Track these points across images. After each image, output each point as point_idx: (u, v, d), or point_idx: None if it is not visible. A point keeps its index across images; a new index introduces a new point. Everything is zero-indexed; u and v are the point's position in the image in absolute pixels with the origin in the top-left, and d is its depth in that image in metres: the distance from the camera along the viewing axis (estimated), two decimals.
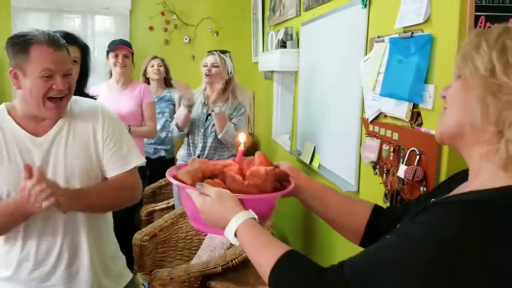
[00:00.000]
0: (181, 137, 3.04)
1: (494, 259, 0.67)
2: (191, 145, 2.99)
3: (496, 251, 0.68)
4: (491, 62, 0.77)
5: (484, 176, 0.79)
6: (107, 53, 3.20)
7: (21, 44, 1.39)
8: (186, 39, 4.93)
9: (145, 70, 3.79)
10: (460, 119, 0.81)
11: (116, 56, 3.14)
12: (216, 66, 2.94)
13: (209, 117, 2.93)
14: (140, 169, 3.21)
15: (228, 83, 3.00)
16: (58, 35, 1.45)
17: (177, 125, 2.93)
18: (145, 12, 4.77)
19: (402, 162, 1.65)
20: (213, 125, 2.92)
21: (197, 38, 4.95)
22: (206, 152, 2.93)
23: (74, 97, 1.55)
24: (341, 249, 2.35)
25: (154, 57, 3.74)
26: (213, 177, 1.04)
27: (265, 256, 0.88)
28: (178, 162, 3.08)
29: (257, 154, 1.15)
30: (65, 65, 1.43)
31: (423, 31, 1.59)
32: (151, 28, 4.82)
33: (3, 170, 1.41)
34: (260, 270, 0.90)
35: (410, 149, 1.62)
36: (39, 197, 1.26)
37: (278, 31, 3.46)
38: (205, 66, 2.98)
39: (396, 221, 0.97)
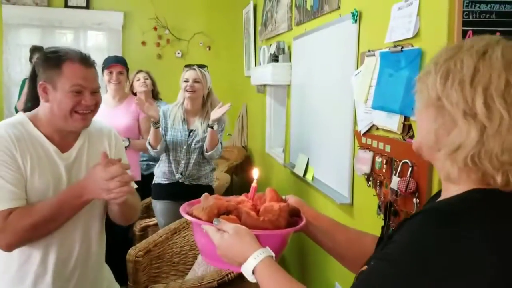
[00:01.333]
0: (158, 155, 2.91)
1: (457, 261, 0.70)
2: (172, 162, 2.89)
3: (458, 253, 0.70)
4: (435, 87, 0.80)
5: (450, 187, 0.83)
6: (102, 69, 3.21)
7: (54, 59, 1.44)
8: (178, 53, 4.97)
9: (132, 85, 3.78)
10: (425, 135, 0.86)
11: (111, 73, 3.17)
12: (198, 82, 2.89)
13: (191, 133, 2.88)
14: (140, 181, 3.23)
15: (207, 97, 2.96)
16: (88, 55, 1.51)
17: (149, 143, 2.82)
18: (138, 27, 4.81)
19: (395, 174, 1.67)
20: (197, 141, 2.86)
21: (190, 52, 5.00)
22: (189, 168, 2.87)
23: None
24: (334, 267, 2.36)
25: (140, 71, 3.73)
26: (227, 213, 1.05)
27: None
28: (157, 179, 2.97)
29: (267, 190, 1.16)
30: (94, 83, 1.49)
31: (412, 46, 1.63)
32: (143, 43, 4.85)
33: (34, 181, 1.42)
34: None
35: (403, 161, 1.64)
36: (121, 185, 1.33)
37: (270, 45, 3.50)
38: (186, 81, 2.88)
39: None
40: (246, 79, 4.74)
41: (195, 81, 2.87)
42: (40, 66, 1.47)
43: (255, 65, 4.26)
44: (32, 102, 2.02)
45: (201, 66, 2.98)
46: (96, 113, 1.54)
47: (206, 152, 2.84)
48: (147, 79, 3.64)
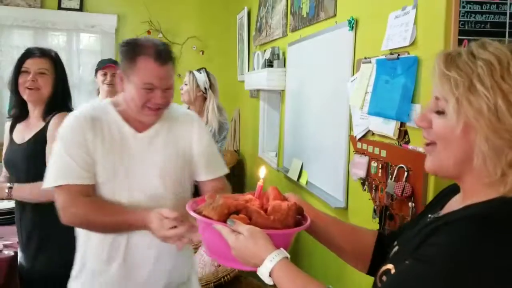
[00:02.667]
0: None
1: (501, 268, 0.71)
2: None
3: (503, 261, 0.71)
4: (494, 103, 0.76)
5: (477, 192, 0.83)
6: (96, 71, 3.21)
7: (130, 51, 1.44)
8: None
9: None
10: (462, 157, 0.82)
11: (105, 74, 3.16)
12: (185, 84, 2.94)
13: None
14: None
15: (204, 101, 2.96)
16: (167, 48, 1.47)
17: None
18: (131, 30, 4.80)
19: (391, 179, 1.71)
20: None
21: (183, 56, 5.00)
22: None
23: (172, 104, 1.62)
24: (327, 271, 2.39)
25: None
26: (237, 212, 1.05)
27: None
28: None
29: (270, 188, 1.17)
30: (168, 80, 1.47)
31: (409, 53, 1.67)
32: None
33: (104, 161, 1.45)
34: None
35: (398, 166, 1.68)
36: (179, 238, 1.31)
37: (265, 50, 3.54)
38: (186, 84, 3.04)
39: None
40: (239, 84, 4.77)
41: (184, 83, 3.03)
42: (120, 55, 1.49)
43: (249, 70, 4.29)
44: (17, 107, 2.00)
45: (199, 69, 3.07)
46: (168, 107, 1.53)
47: None
48: None
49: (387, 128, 1.78)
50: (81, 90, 4.70)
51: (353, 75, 2.13)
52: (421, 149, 1.58)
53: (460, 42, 1.49)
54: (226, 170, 1.68)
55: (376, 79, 1.88)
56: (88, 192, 1.44)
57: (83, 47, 4.80)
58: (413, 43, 1.64)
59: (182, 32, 4.98)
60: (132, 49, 1.44)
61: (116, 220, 1.40)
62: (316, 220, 1.14)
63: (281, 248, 0.97)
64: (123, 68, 1.47)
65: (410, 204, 1.60)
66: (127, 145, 1.50)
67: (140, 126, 1.52)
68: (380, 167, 1.83)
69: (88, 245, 1.52)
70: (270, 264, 0.93)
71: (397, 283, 0.79)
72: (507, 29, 1.51)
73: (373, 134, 1.93)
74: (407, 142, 1.68)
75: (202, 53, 5.06)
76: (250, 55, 4.36)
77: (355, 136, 2.05)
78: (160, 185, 1.51)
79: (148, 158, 1.51)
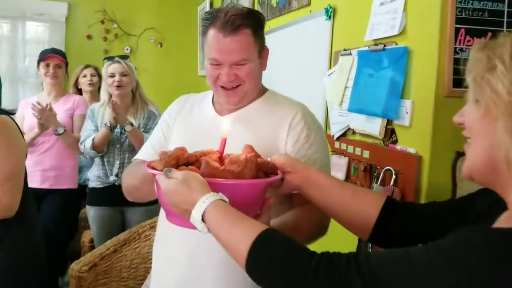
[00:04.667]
0: (95, 157, 2.56)
1: None
2: (106, 164, 2.55)
3: None
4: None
5: None
6: (38, 62, 2.86)
7: (204, 23, 1.21)
8: (127, 49, 4.66)
9: (77, 80, 3.43)
10: (490, 152, 0.69)
11: (47, 65, 2.81)
12: (126, 75, 2.53)
13: (123, 131, 2.52)
14: (78, 190, 2.90)
15: (135, 90, 2.63)
16: (243, 12, 1.17)
17: (93, 145, 2.46)
18: (83, 19, 4.46)
19: (376, 182, 1.54)
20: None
21: (139, 49, 4.70)
22: (124, 168, 2.43)
23: (273, 91, 1.35)
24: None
25: (87, 66, 3.37)
26: (188, 164, 0.95)
27: (240, 232, 0.78)
28: (92, 183, 2.61)
29: (245, 146, 1.02)
30: (234, 55, 1.16)
31: (397, 44, 1.51)
32: (89, 36, 4.51)
33: (176, 140, 1.28)
34: (234, 249, 0.79)
35: (385, 168, 1.51)
36: None
37: None
38: (111, 76, 2.51)
39: (416, 219, 0.90)
40: (200, 79, 4.53)
41: (123, 74, 2.52)
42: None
43: None
44: None
45: (124, 57, 2.64)
46: (251, 88, 1.23)
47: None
48: (94, 76, 3.30)
49: (371, 127, 1.61)
50: (26, 84, 4.32)
51: (330, 68, 1.96)
52: (411, 150, 1.42)
53: (457, 31, 1.34)
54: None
55: (357, 72, 1.72)
56: None
57: (29, 37, 4.39)
58: (402, 32, 1.48)
59: (139, 22, 4.68)
60: (206, 20, 1.20)
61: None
62: (308, 179, 0.99)
63: (220, 193, 0.85)
64: (202, 43, 1.24)
65: None
66: (204, 128, 1.28)
67: (223, 110, 1.28)
68: (362, 169, 1.66)
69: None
70: (202, 206, 0.82)
71: (401, 260, 0.66)
72: (505, 18, 1.37)
73: (353, 132, 1.76)
74: (394, 142, 1.52)
75: (161, 46, 4.77)
76: None
77: (333, 136, 1.87)
78: None
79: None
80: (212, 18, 1.18)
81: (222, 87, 1.21)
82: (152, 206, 2.61)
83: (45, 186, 2.74)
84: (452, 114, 0.80)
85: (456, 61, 1.33)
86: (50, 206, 2.74)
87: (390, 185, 1.47)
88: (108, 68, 2.54)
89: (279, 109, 1.26)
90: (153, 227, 2.62)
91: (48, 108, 2.61)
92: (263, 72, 1.32)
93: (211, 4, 4.11)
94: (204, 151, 1.01)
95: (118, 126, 2.50)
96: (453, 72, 1.33)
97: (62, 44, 4.26)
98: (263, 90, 1.32)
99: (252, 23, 1.18)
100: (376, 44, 1.60)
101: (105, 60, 2.62)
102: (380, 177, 1.52)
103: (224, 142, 1.01)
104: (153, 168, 0.96)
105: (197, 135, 1.27)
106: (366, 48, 1.66)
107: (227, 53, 1.17)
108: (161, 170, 0.91)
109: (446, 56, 1.33)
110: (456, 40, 1.33)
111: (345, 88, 1.79)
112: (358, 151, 1.70)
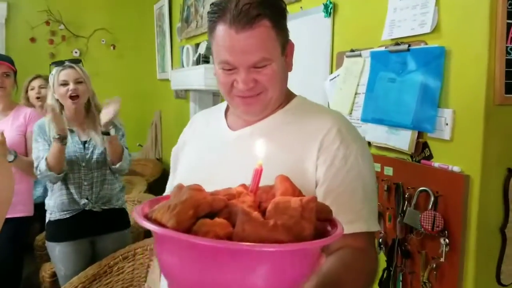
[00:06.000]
0: (57, 180, 2.11)
1: None
2: (71, 187, 2.12)
3: None
4: None
5: None
6: None
7: (209, 18, 0.95)
8: (76, 52, 4.26)
9: (27, 92, 3.00)
10: None
11: None
12: (81, 82, 2.12)
13: (86, 145, 2.14)
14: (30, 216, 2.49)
15: (92, 99, 2.22)
16: (255, 2, 0.89)
17: (48, 166, 2.02)
18: (25, 20, 4.00)
19: (409, 205, 1.32)
20: (99, 153, 2.14)
21: (90, 51, 4.31)
22: (95, 189, 2.15)
23: (303, 97, 1.06)
24: None
25: (36, 77, 2.94)
26: (212, 215, 0.59)
27: None
28: (53, 215, 2.15)
29: (279, 178, 0.69)
30: (251, 55, 0.90)
31: (426, 43, 1.30)
32: (32, 39, 4.05)
33: (186, 158, 1.10)
34: None
35: (420, 189, 1.29)
36: None
37: (197, 44, 3.02)
38: (64, 84, 2.09)
39: None
40: (160, 83, 4.18)
41: (77, 82, 2.10)
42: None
43: (172, 68, 3.73)
44: None
45: (75, 61, 2.20)
46: (273, 95, 0.95)
47: (114, 165, 2.15)
48: (43, 87, 2.87)
49: (396, 139, 1.39)
50: None
51: (332, 72, 1.72)
52: (456, 168, 1.21)
53: (508, 27, 1.14)
54: (372, 225, 0.94)
55: (371, 76, 1.49)
56: None
57: None
58: (434, 30, 1.27)
59: (88, 23, 4.27)
60: (213, 13, 0.92)
61: None
62: None
63: None
64: (209, 43, 0.97)
65: (442, 240, 1.23)
66: (213, 147, 1.05)
67: (237, 123, 1.03)
68: (385, 188, 1.44)
69: None
70: None
71: None
72: None
73: (369, 145, 1.54)
74: (428, 158, 1.31)
75: (114, 48, 4.39)
76: (174, 50, 3.80)
77: None
78: None
79: (225, 166, 0.99)
80: (219, 11, 0.91)
81: (238, 96, 0.95)
82: (125, 230, 2.29)
83: None
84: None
85: (509, 63, 1.13)
86: None
87: (429, 209, 1.25)
88: (59, 75, 2.10)
89: (308, 122, 0.98)
90: (126, 258, 2.29)
91: None
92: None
93: (170, 2, 3.78)
94: (230, 190, 0.67)
95: (78, 141, 2.12)
96: (505, 76, 1.14)
97: (2, 49, 3.82)
98: (289, 96, 1.03)
99: (272, 12, 0.90)
100: (397, 44, 1.38)
101: (53, 65, 2.17)
102: (414, 200, 1.31)
103: (259, 175, 0.67)
104: (155, 220, 0.58)
105: (208, 153, 1.03)
106: (383, 49, 1.44)
107: (242, 53, 0.90)
108: (176, 228, 0.56)
109: (497, 57, 1.13)
110: (508, 38, 1.13)
111: (355, 94, 1.57)
112: (377, 167, 1.48)
